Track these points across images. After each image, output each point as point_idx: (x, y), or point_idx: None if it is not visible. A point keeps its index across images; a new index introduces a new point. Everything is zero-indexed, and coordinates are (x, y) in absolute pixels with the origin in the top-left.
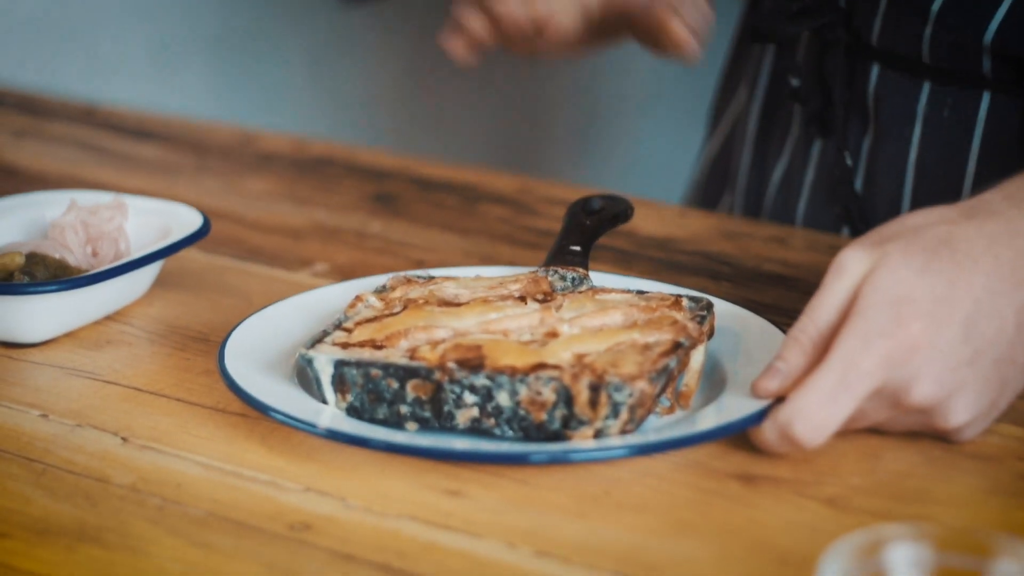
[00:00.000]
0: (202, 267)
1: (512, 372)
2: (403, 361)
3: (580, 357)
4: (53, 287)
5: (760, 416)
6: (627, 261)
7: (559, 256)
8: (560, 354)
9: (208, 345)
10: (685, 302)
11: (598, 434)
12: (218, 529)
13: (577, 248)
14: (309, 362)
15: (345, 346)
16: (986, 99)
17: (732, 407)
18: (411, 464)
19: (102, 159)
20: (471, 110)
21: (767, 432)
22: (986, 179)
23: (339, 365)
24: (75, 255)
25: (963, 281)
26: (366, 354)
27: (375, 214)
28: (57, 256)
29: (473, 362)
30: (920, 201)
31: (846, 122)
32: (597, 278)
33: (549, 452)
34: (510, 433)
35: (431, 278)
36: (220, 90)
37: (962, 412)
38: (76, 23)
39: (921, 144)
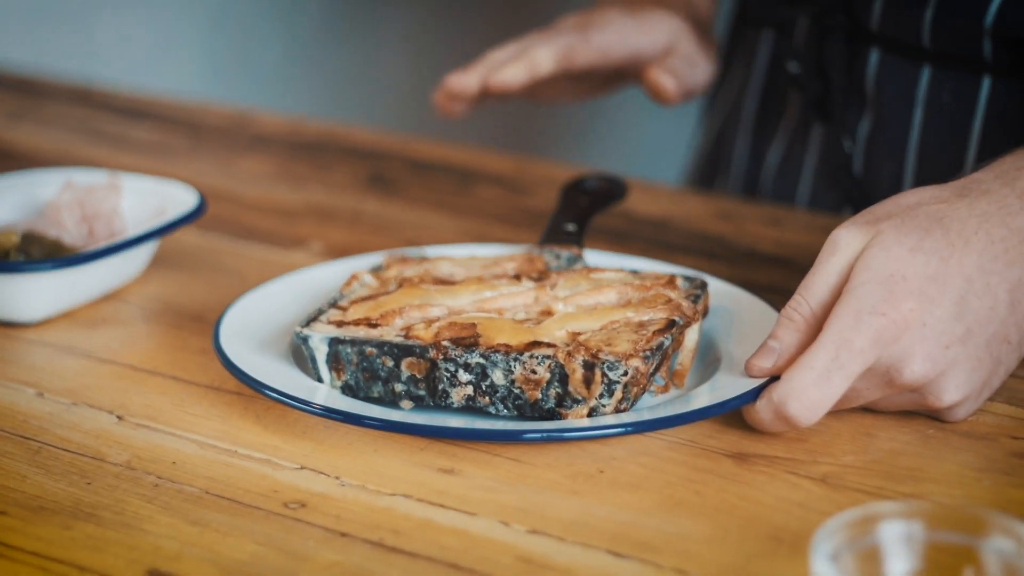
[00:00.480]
0: (198, 247)
1: (507, 350)
2: (397, 339)
3: (574, 335)
4: (49, 266)
5: (754, 395)
6: (623, 240)
7: (554, 235)
8: (554, 332)
9: (204, 324)
10: (679, 281)
11: (592, 412)
12: (213, 507)
13: (572, 227)
14: (304, 340)
15: (340, 324)
16: (987, 84)
17: (726, 386)
18: (405, 442)
19: (98, 140)
20: None
21: (761, 411)
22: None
23: (334, 343)
24: (71, 234)
25: (955, 260)
26: (360, 332)
27: (370, 194)
28: (53, 235)
29: (467, 340)
30: (922, 185)
31: (845, 107)
32: (592, 257)
33: (543, 430)
34: (504, 411)
35: (426, 256)
36: (216, 70)
37: (954, 391)
38: (73, 4)
39: (922, 128)
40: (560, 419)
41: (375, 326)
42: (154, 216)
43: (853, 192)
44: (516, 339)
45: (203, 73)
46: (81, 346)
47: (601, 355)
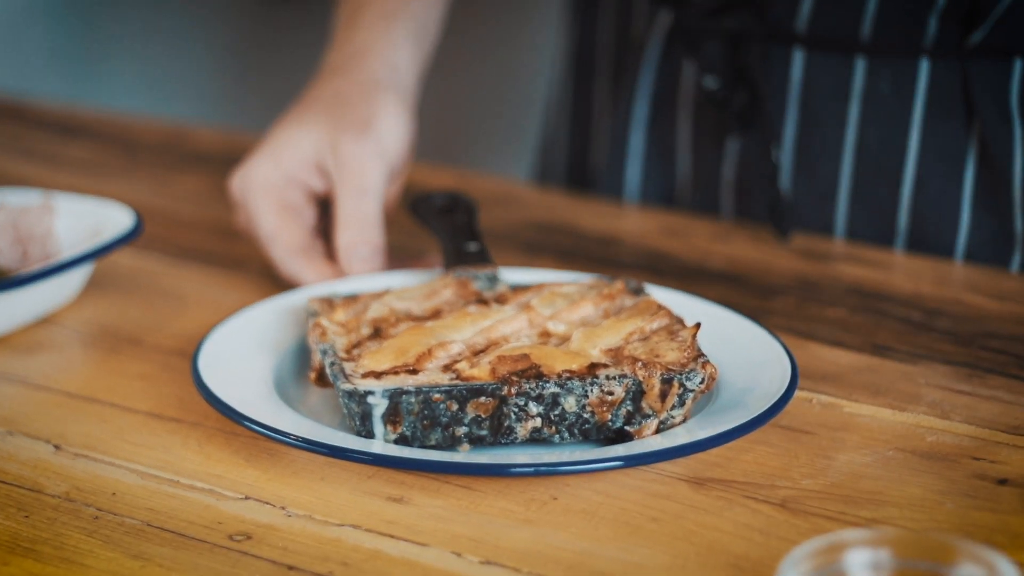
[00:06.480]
0: (134, 268)
1: (580, 375)
2: (462, 382)
3: (614, 351)
4: None
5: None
6: (569, 258)
7: (461, 257)
8: (590, 352)
9: (142, 348)
10: (624, 284)
11: (661, 426)
12: (156, 540)
13: (474, 246)
14: (361, 397)
15: (378, 375)
16: (925, 67)
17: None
18: (353, 469)
19: (31, 157)
20: None
21: None
22: (930, 150)
23: (395, 395)
24: (4, 256)
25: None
26: (411, 380)
27: None
28: None
29: (531, 372)
30: (861, 182)
31: (770, 115)
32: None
33: (492, 465)
34: (569, 438)
35: (355, 297)
36: (150, 85)
37: None
38: (2, 18)
39: (860, 123)
40: (629, 438)
41: (415, 372)
42: (89, 237)
43: (777, 203)
44: (575, 363)
45: (137, 87)
46: (16, 372)
47: (674, 366)
